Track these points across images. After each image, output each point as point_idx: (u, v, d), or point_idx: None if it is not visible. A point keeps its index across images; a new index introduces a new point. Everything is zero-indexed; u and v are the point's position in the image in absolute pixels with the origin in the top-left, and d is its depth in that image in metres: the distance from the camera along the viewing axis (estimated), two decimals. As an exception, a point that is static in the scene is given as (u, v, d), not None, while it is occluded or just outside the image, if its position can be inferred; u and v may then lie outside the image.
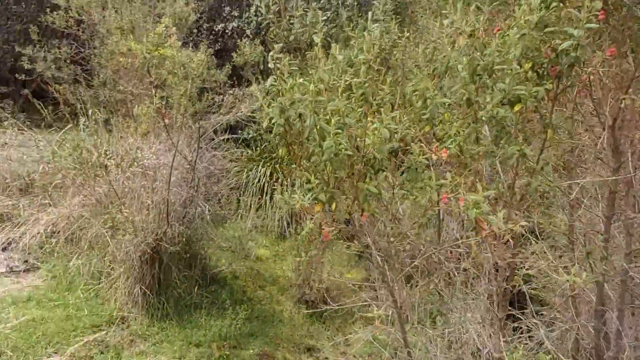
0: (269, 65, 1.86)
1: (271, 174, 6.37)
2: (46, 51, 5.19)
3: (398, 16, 2.62)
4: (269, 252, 5.96)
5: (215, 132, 5.09)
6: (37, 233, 4.15)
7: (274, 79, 1.84)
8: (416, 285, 2.41)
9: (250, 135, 6.72)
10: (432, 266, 2.40)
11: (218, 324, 4.10)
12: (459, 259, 2.62)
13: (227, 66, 4.48)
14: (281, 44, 1.88)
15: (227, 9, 6.94)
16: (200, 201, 4.61)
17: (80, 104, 5.00)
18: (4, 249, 4.11)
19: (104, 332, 3.55)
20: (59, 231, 4.16)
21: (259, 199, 6.20)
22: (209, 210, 4.76)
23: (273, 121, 1.79)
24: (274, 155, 6.69)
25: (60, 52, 5.19)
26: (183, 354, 3.67)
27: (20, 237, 4.14)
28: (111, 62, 4.54)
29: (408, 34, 2.24)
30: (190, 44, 4.81)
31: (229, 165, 6.02)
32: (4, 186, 4.43)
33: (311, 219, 5.77)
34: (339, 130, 1.69)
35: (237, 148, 6.49)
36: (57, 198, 4.28)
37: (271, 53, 1.86)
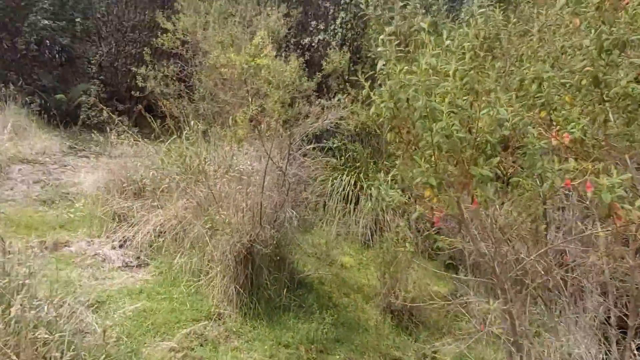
0: (378, 50, 1.87)
1: (355, 183, 6.41)
2: (156, 70, 5.81)
3: (502, 4, 2.50)
4: (353, 260, 5.97)
5: (302, 140, 5.27)
6: (147, 232, 4.59)
7: (384, 62, 1.85)
8: (519, 293, 2.23)
9: (335, 145, 6.84)
10: (537, 273, 2.21)
11: (305, 327, 4.16)
12: (565, 265, 2.38)
13: (317, 75, 4.63)
14: (391, 28, 1.89)
15: (314, 23, 7.20)
16: (289, 206, 4.77)
17: (183, 117, 5.48)
18: (120, 246, 4.60)
19: (202, 326, 3.78)
20: (166, 231, 4.55)
21: (344, 207, 6.26)
22: (297, 216, 4.91)
23: (382, 105, 1.79)
24: (358, 164, 6.74)
25: (167, 70, 5.78)
26: (273, 353, 3.78)
27: (133, 235, 4.61)
28: (210, 77, 4.92)
29: (515, 20, 2.12)
30: (282, 58, 5.07)
31: (315, 173, 6.18)
32: (121, 190, 4.98)
33: (397, 228, 5.63)
34: (454, 110, 1.63)
35: (322, 157, 6.64)
36: (164, 201, 4.71)
37: (381, 37, 1.88)
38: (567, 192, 1.96)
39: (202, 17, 5.77)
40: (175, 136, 4.99)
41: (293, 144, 4.68)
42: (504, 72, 1.94)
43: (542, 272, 2.15)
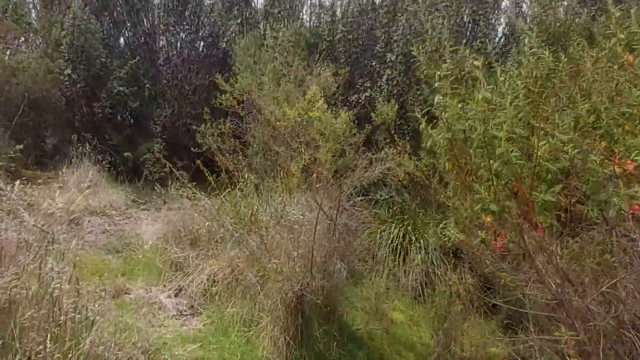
0: (435, 85, 1.96)
1: (404, 236, 6.32)
2: (214, 127, 6.26)
3: (551, 46, 2.55)
4: (403, 316, 5.74)
5: (350, 193, 5.35)
6: (201, 281, 4.72)
7: (441, 97, 1.92)
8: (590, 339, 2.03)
9: (382, 197, 6.86)
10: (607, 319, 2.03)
11: (356, 385, 4.00)
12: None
13: (367, 126, 4.80)
14: (448, 64, 1.98)
15: (360, 80, 7.55)
16: (338, 257, 4.77)
17: (238, 171, 5.76)
18: (175, 295, 4.74)
19: (252, 379, 3.74)
20: (219, 280, 4.66)
21: (393, 259, 6.15)
22: (345, 267, 4.89)
23: (439, 137, 1.84)
24: (406, 217, 6.68)
25: (224, 127, 6.21)
26: (323, 411, 3.63)
27: (188, 284, 4.75)
28: (264, 132, 5.22)
29: (565, 59, 2.15)
30: (331, 113, 5.31)
31: (364, 225, 6.18)
32: (178, 240, 5.22)
33: (450, 284, 5.43)
34: (513, 135, 1.64)
35: (370, 209, 6.65)
36: (218, 250, 4.86)
37: (438, 73, 1.97)
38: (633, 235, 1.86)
39: (258, 78, 6.25)
40: (229, 189, 5.24)
41: (342, 195, 4.76)
42: (557, 111, 1.94)
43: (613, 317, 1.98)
